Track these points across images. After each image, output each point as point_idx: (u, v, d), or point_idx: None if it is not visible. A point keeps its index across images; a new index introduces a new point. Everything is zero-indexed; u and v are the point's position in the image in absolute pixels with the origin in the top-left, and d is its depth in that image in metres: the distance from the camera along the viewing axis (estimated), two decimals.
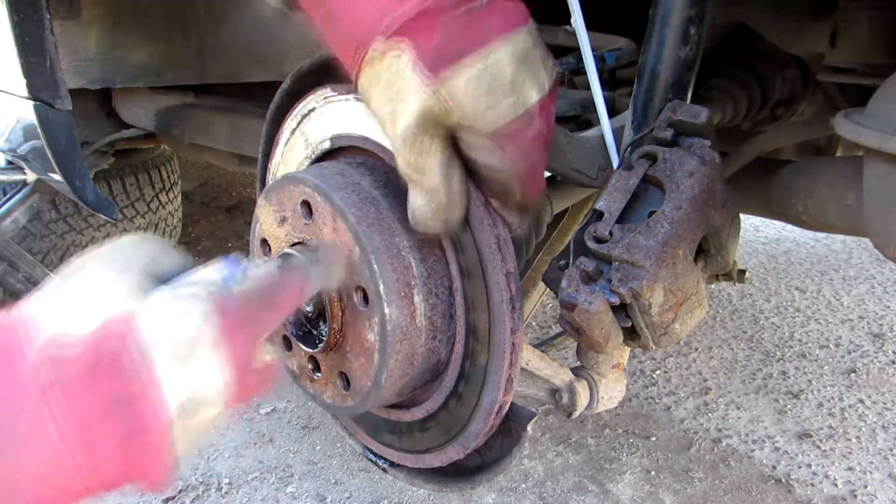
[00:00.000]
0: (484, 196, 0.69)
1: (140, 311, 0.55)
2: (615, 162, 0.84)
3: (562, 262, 0.75)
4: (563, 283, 0.70)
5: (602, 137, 0.87)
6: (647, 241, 0.68)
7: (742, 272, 0.90)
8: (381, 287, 0.70)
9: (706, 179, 0.72)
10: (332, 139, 0.85)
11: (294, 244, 0.78)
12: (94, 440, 0.51)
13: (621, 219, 0.72)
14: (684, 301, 0.72)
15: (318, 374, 0.81)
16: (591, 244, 0.71)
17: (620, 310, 0.70)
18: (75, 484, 0.51)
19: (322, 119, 0.86)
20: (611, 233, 0.70)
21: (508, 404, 0.74)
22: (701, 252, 0.77)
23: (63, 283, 0.56)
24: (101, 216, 1.59)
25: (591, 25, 0.86)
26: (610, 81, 1.38)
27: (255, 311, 0.60)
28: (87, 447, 0.51)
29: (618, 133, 0.87)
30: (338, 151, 0.86)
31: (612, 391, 0.97)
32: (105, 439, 0.52)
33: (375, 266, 0.70)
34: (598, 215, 0.72)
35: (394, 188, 0.75)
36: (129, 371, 0.52)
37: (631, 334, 0.73)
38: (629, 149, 0.78)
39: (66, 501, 0.52)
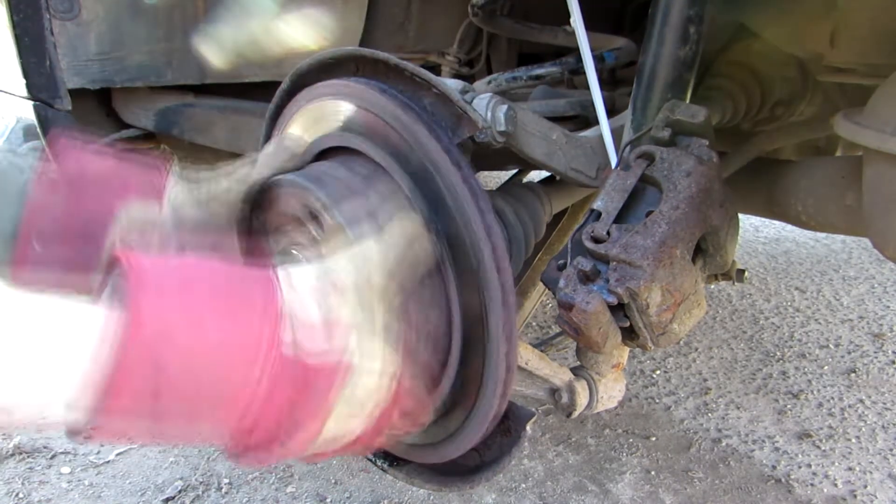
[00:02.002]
0: None
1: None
2: (614, 162, 0.84)
3: (560, 262, 0.75)
4: (561, 283, 0.70)
5: (601, 137, 0.87)
6: (644, 241, 0.68)
7: (741, 272, 0.90)
8: None
9: (704, 179, 0.72)
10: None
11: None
12: (274, 397, 0.56)
13: (619, 219, 0.72)
14: (682, 301, 0.72)
15: None
16: (589, 244, 0.71)
17: (618, 310, 0.70)
18: (238, 402, 0.55)
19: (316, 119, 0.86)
20: (608, 233, 0.70)
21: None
22: (699, 252, 0.77)
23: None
24: None
25: (590, 25, 0.86)
26: (609, 81, 1.39)
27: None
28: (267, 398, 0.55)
29: (617, 133, 0.87)
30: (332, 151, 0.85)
31: (611, 391, 0.97)
32: (279, 404, 0.56)
33: None
34: (596, 215, 0.72)
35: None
36: (321, 392, 0.58)
37: (629, 334, 0.73)
38: (627, 148, 0.78)
39: (227, 413, 0.55)
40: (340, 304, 0.60)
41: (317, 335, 0.58)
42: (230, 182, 0.80)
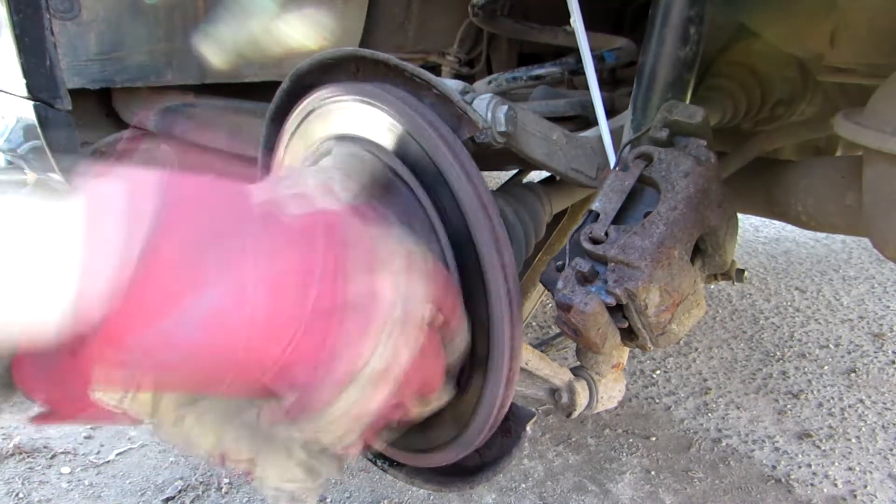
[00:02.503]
0: None
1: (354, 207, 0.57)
2: (612, 162, 0.84)
3: (559, 263, 0.75)
4: (559, 285, 0.70)
5: (602, 137, 0.87)
6: (642, 242, 0.68)
7: (741, 271, 0.90)
8: None
9: (702, 179, 0.72)
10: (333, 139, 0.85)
11: None
12: (281, 302, 0.49)
13: (617, 219, 0.72)
14: (681, 301, 0.72)
15: None
16: (587, 245, 0.71)
17: (617, 310, 0.70)
18: (243, 332, 0.48)
19: (321, 120, 0.86)
20: (606, 234, 0.70)
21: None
22: (698, 252, 0.77)
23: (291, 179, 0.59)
24: None
25: (590, 25, 0.86)
26: (609, 81, 1.39)
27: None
28: (271, 306, 0.49)
29: (617, 133, 0.87)
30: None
31: (611, 391, 0.97)
32: (288, 308, 0.49)
33: None
34: (594, 216, 0.72)
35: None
36: (331, 245, 0.52)
37: (628, 335, 0.73)
38: (626, 149, 0.78)
39: (226, 353, 0.49)
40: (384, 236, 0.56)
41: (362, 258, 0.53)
42: None
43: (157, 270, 0.45)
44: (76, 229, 0.44)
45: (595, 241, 0.71)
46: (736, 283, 0.92)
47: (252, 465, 0.68)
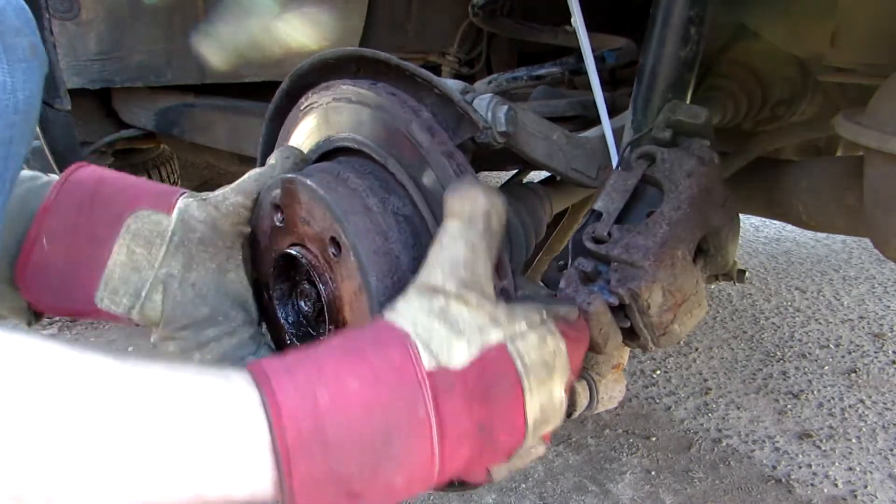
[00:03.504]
0: None
1: (512, 336, 0.59)
2: (615, 162, 0.84)
3: (561, 263, 0.75)
4: (562, 284, 0.70)
5: (602, 137, 0.87)
6: (645, 242, 0.68)
7: (742, 272, 0.90)
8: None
9: (705, 179, 0.72)
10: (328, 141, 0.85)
11: None
12: (455, 456, 0.55)
13: (620, 219, 0.72)
14: (683, 301, 0.72)
15: None
16: (590, 245, 0.71)
17: (619, 310, 0.70)
18: (423, 481, 0.55)
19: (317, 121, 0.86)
20: (609, 233, 0.70)
21: None
22: (700, 252, 0.77)
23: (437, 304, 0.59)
24: None
25: (590, 25, 0.86)
26: (610, 81, 1.39)
27: (583, 339, 0.67)
28: (447, 460, 0.54)
29: (617, 133, 0.87)
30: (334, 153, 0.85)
31: (611, 391, 0.96)
32: (463, 458, 0.56)
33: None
34: (597, 216, 0.72)
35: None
36: (503, 401, 0.57)
37: (630, 335, 0.73)
38: (628, 149, 0.78)
39: (407, 492, 0.54)
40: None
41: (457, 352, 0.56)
42: (236, 195, 0.79)
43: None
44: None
45: (598, 241, 0.70)
46: (737, 284, 0.91)
47: None
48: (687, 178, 0.71)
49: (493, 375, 0.56)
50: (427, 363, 0.54)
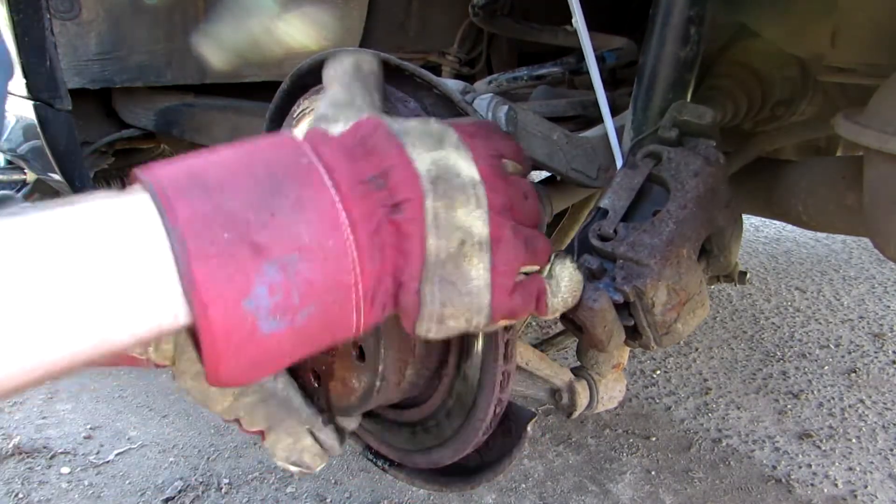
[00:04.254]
0: None
1: (390, 119, 0.56)
2: (619, 161, 0.84)
3: None
4: None
5: (602, 137, 0.87)
6: (651, 240, 0.68)
7: (743, 274, 0.90)
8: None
9: (711, 179, 0.72)
10: None
11: None
12: (357, 218, 0.49)
13: (625, 217, 0.72)
14: (687, 301, 0.72)
15: None
16: (596, 242, 0.70)
17: (623, 308, 0.70)
18: (342, 253, 0.49)
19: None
20: (615, 231, 0.70)
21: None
22: (703, 252, 0.77)
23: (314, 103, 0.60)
24: None
25: (590, 25, 0.86)
26: (610, 81, 1.39)
27: (486, 132, 0.60)
28: (351, 219, 0.49)
29: (617, 133, 0.87)
30: None
31: (611, 391, 0.97)
32: (367, 218, 0.50)
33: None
34: (603, 213, 0.72)
35: None
36: (382, 149, 0.52)
37: (632, 333, 0.73)
38: (633, 148, 0.78)
39: (336, 280, 0.49)
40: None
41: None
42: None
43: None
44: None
45: (604, 238, 0.70)
46: (737, 285, 0.91)
47: (265, 433, 0.72)
48: (693, 178, 0.71)
49: (368, 130, 0.54)
50: (303, 133, 0.54)
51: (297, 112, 0.87)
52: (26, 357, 0.40)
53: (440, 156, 0.54)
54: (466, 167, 0.54)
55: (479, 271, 0.53)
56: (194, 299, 0.44)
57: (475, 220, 0.53)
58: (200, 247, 0.44)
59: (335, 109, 0.60)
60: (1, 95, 0.64)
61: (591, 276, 0.69)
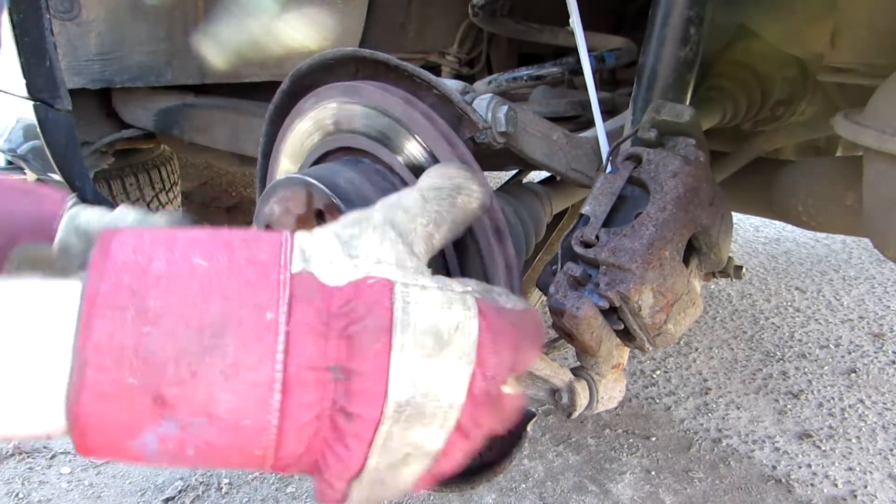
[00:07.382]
0: None
1: (411, 283, 0.46)
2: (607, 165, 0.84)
3: (554, 267, 0.75)
4: (552, 290, 0.70)
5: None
6: (632, 244, 0.68)
7: (738, 268, 0.90)
8: None
9: (691, 179, 0.72)
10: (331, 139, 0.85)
11: None
12: (294, 407, 0.42)
13: (608, 222, 0.72)
14: (675, 301, 0.72)
15: None
16: (578, 249, 0.71)
17: (612, 313, 0.70)
18: (260, 431, 0.42)
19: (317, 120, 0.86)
20: (597, 237, 0.70)
21: None
22: (693, 251, 0.77)
23: (338, 231, 0.48)
24: None
25: (590, 25, 0.86)
26: (610, 81, 1.39)
27: (517, 338, 0.49)
28: (284, 406, 0.42)
29: (617, 133, 0.87)
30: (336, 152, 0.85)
31: (611, 391, 0.97)
32: (306, 408, 0.43)
33: None
34: (585, 220, 0.72)
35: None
36: (361, 343, 0.43)
37: (626, 336, 0.73)
38: (613, 150, 0.78)
39: (240, 447, 0.43)
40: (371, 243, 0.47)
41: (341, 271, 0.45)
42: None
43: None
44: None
45: (586, 245, 0.70)
46: (735, 280, 0.91)
47: None
48: (672, 179, 0.71)
49: (364, 307, 0.44)
50: (296, 267, 0.44)
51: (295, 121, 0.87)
52: None
53: (428, 375, 0.44)
54: (452, 391, 0.45)
55: (413, 473, 0.48)
56: (74, 428, 0.41)
57: (431, 436, 0.46)
58: (98, 381, 0.40)
59: (384, 224, 0.48)
60: None
61: (575, 284, 0.69)
